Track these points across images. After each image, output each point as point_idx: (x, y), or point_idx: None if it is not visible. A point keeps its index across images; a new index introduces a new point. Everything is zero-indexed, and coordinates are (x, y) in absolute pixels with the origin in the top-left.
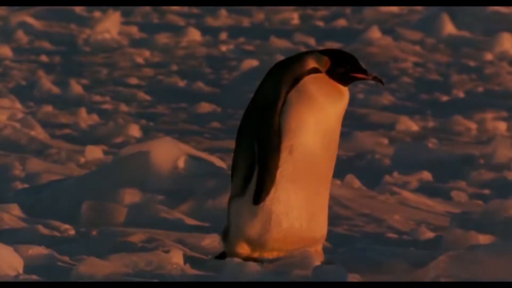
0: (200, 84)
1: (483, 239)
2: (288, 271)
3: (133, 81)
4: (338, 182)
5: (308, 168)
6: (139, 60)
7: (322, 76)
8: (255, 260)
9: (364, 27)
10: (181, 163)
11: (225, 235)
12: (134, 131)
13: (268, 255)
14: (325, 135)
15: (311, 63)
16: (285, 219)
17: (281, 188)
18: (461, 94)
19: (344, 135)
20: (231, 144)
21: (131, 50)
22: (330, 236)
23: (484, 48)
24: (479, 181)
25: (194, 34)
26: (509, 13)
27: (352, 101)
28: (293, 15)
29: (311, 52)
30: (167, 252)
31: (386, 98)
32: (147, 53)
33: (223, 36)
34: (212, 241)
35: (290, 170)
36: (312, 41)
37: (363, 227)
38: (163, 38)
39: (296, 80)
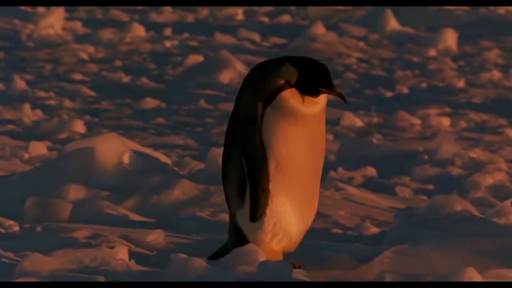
0: (144, 80)
1: (427, 234)
2: (234, 267)
3: (77, 76)
4: None
5: (298, 177)
6: (83, 55)
7: (293, 90)
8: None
9: (309, 23)
10: (125, 159)
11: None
12: (79, 127)
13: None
14: (308, 141)
15: (281, 79)
16: (291, 228)
17: (277, 201)
18: (405, 90)
19: None
20: (176, 139)
21: (75, 46)
22: None
23: (428, 44)
24: (423, 176)
25: (138, 30)
26: (452, 9)
27: None
28: (237, 11)
29: (281, 61)
30: (112, 248)
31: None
32: (91, 49)
33: (168, 31)
34: (157, 237)
35: (281, 183)
36: (256, 37)
37: None
38: (107, 34)
39: (271, 97)
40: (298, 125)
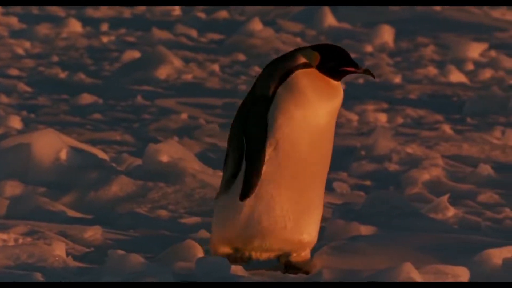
0: (81, 76)
1: (365, 230)
2: (172, 263)
3: (14, 72)
4: (221, 173)
5: (295, 166)
6: (19, 51)
7: (312, 70)
8: (239, 259)
9: (246, 19)
10: (63, 155)
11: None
12: (15, 122)
13: (256, 255)
14: (314, 133)
15: (301, 59)
16: (265, 217)
17: (265, 185)
18: (342, 86)
19: (226, 127)
20: (113, 135)
21: (11, 41)
22: None
23: (364, 40)
24: (361, 172)
25: (75, 25)
26: (388, 5)
27: (234, 92)
28: (174, 7)
29: (302, 49)
30: (49, 244)
31: None
32: (27, 44)
33: (104, 27)
34: (94, 233)
35: (274, 167)
36: (194, 33)
37: None
38: (43, 29)
39: (286, 75)
40: (307, 110)
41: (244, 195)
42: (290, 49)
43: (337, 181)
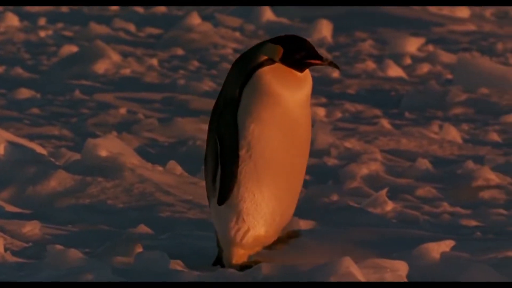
0: (18, 70)
1: (304, 224)
2: (111, 258)
3: None
4: (160, 168)
5: (271, 164)
6: None
7: (276, 66)
8: (254, 264)
9: (184, 13)
10: (0, 150)
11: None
12: None
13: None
14: (286, 128)
15: (262, 56)
16: (252, 217)
17: (244, 186)
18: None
19: (165, 121)
20: (51, 130)
21: None
22: (152, 222)
23: (303, 35)
24: None
25: (12, 20)
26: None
27: (173, 87)
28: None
29: (264, 43)
30: None
31: (207, 84)
32: None
33: (42, 21)
34: (32, 228)
35: (250, 168)
36: (131, 27)
37: (185, 213)
38: None
39: (249, 75)
40: (275, 108)
41: (221, 199)
42: (229, 44)
43: None
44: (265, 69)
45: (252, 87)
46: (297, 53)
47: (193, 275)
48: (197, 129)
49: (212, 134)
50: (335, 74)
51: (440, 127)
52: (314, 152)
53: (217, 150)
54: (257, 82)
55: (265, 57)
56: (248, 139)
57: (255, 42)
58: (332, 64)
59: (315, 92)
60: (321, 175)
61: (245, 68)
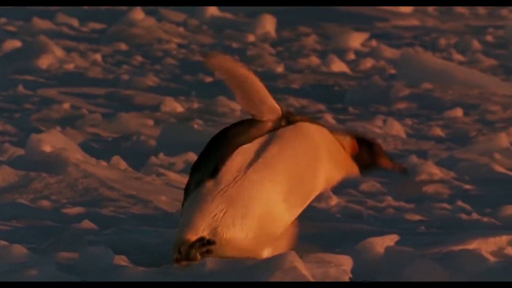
0: None
1: None
2: (55, 253)
3: None
4: (104, 163)
5: None
6: None
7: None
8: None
9: (127, 8)
10: None
11: None
12: None
13: None
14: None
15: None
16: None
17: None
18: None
19: (109, 116)
20: None
21: None
22: (96, 217)
23: (247, 29)
24: None
25: None
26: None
27: (117, 82)
28: None
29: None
30: None
31: (151, 79)
32: None
33: None
34: None
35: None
36: (75, 22)
37: (130, 208)
38: None
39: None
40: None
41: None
42: (173, 39)
43: None
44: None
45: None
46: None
47: (138, 271)
48: (141, 124)
49: None
50: (279, 69)
51: (384, 122)
52: None
53: None
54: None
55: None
56: None
57: (199, 37)
58: (403, 170)
59: None
60: None
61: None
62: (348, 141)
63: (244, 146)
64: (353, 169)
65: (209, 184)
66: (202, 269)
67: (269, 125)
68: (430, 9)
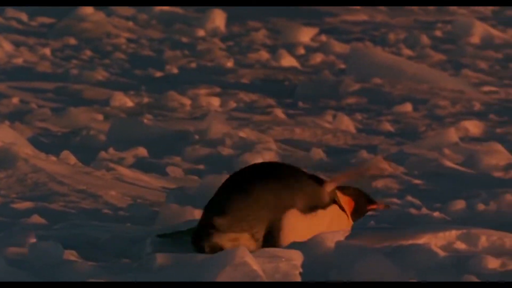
0: None
1: (199, 214)
2: (4, 249)
3: None
4: (54, 158)
5: None
6: None
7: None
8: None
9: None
10: None
11: None
12: None
13: None
14: None
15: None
16: None
17: None
18: (175, 70)
19: (58, 111)
20: None
21: None
22: (46, 212)
23: (196, 24)
24: (194, 156)
25: None
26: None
27: (66, 76)
28: None
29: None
30: None
31: (100, 74)
32: None
33: None
34: None
35: None
36: (23, 16)
37: (79, 203)
38: None
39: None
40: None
41: None
42: (122, 34)
43: (170, 166)
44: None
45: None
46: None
47: (87, 266)
48: (91, 119)
49: None
50: (229, 64)
51: (334, 116)
52: (209, 142)
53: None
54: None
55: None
56: None
57: (149, 31)
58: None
59: (209, 82)
60: (216, 164)
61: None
62: (346, 200)
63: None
64: (349, 226)
65: None
66: (151, 264)
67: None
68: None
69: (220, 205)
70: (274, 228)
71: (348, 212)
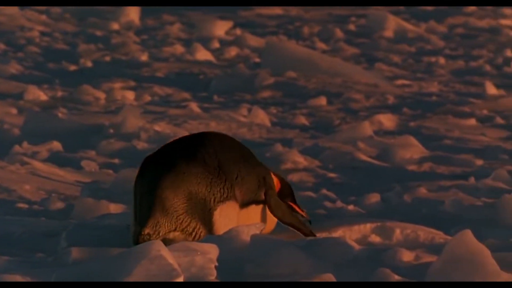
0: None
1: (114, 208)
2: None
3: None
4: None
5: None
6: None
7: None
8: None
9: None
10: None
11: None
12: None
13: None
14: None
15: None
16: None
17: None
18: (89, 64)
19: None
20: None
21: None
22: None
23: (110, 18)
24: (109, 150)
25: None
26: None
27: None
28: None
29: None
30: None
31: (14, 67)
32: None
33: None
34: None
35: None
36: None
37: None
38: None
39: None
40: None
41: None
42: (36, 27)
43: (85, 160)
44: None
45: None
46: (286, 196)
47: (2, 260)
48: (4, 113)
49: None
50: (144, 57)
51: (249, 110)
52: (124, 136)
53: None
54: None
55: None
56: None
57: (62, 25)
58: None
59: (123, 76)
60: (131, 158)
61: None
62: (276, 180)
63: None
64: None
65: None
66: (67, 258)
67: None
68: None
69: (146, 210)
70: (206, 221)
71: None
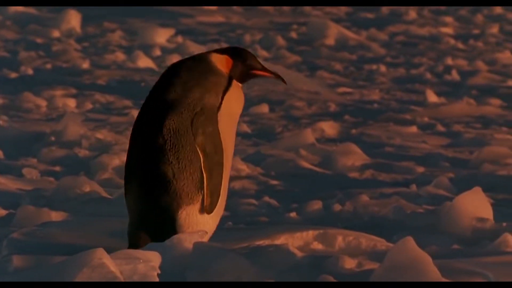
0: None
1: (56, 215)
2: None
3: None
4: None
5: (228, 168)
6: None
7: (236, 86)
8: None
9: None
10: None
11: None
12: None
13: None
14: (233, 135)
15: (223, 71)
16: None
17: (224, 191)
18: (30, 71)
19: None
20: None
21: None
22: None
23: (51, 25)
24: (51, 158)
25: None
26: None
27: None
28: None
29: (212, 53)
30: None
31: None
32: None
33: None
34: None
35: (225, 174)
36: None
37: None
38: None
39: (225, 86)
40: (234, 121)
41: (212, 209)
42: None
43: (26, 167)
44: (231, 92)
45: (231, 98)
46: (243, 64)
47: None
48: None
49: (183, 143)
50: (85, 65)
51: None
52: (65, 143)
53: (197, 159)
54: (228, 106)
55: (227, 75)
56: (227, 151)
57: (3, 32)
58: (278, 77)
59: (64, 83)
60: (73, 166)
61: (210, 85)
62: (223, 59)
63: None
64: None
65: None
66: (8, 266)
67: None
68: (235, 6)
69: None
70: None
71: (226, 71)
